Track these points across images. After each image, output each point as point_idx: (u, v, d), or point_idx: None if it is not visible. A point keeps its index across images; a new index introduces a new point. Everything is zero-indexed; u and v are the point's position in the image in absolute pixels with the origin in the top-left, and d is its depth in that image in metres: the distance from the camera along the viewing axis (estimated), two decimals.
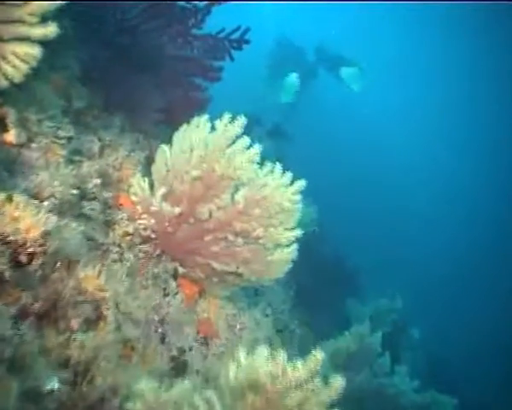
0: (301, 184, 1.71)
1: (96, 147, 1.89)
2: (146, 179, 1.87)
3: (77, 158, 1.69)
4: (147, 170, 2.02)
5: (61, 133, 1.59)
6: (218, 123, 1.66)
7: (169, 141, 2.02)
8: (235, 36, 2.11)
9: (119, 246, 1.66)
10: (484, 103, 14.28)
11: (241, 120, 1.62)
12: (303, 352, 1.19)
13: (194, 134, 1.73)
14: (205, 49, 2.11)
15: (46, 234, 1.08)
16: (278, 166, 1.70)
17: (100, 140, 1.93)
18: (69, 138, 1.65)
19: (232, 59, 2.13)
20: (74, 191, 1.49)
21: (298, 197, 1.73)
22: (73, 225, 1.38)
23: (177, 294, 1.96)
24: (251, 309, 2.51)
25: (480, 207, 14.29)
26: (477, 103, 14.48)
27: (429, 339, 4.31)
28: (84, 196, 1.61)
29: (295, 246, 1.87)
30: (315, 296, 3.85)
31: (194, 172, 1.68)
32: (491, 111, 14.26)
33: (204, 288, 2.04)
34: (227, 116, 1.64)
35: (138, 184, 1.88)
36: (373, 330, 3.92)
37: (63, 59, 1.95)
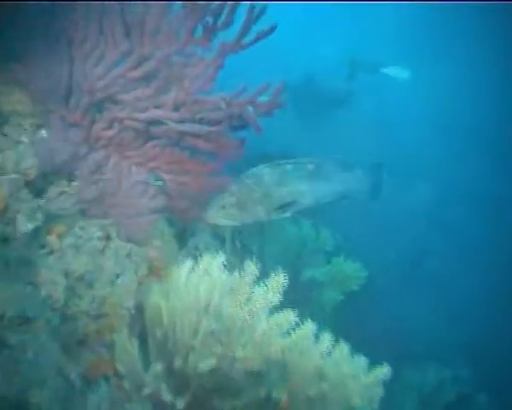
0: (384, 371, 1.04)
1: (59, 290, 1.25)
2: (135, 341, 1.24)
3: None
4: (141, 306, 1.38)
5: None
6: (236, 278, 0.99)
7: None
8: (263, 98, 1.42)
9: None
10: None
11: (280, 279, 0.95)
12: None
13: (203, 285, 1.07)
14: (218, 116, 1.44)
15: None
16: (345, 346, 1.03)
17: (66, 276, 1.29)
18: None
19: (260, 131, 1.44)
20: None
21: (379, 393, 1.06)
22: None
23: None
24: None
25: None
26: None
27: (499, 404, 3.59)
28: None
29: None
30: None
31: (204, 365, 1.02)
32: None
33: None
34: (252, 267, 0.97)
35: (124, 346, 1.25)
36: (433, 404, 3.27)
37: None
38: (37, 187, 1.35)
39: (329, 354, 1.03)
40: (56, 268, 1.30)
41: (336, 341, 1.04)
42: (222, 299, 1.02)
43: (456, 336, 3.66)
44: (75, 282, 1.32)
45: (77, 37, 1.35)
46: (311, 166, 1.51)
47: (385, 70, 6.68)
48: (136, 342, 1.23)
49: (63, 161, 1.41)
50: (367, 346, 3.18)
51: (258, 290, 0.96)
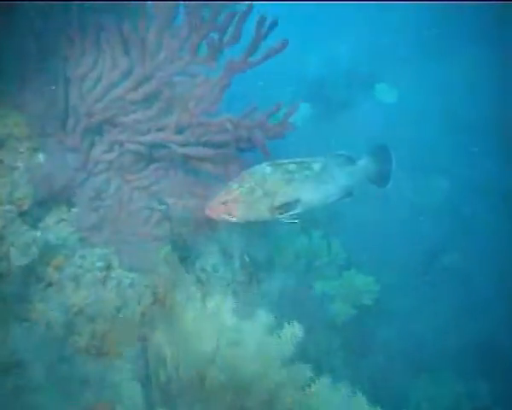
0: None
1: (57, 327, 1.18)
2: (137, 384, 1.16)
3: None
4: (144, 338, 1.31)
5: None
6: (247, 326, 0.91)
7: None
8: (271, 121, 1.33)
9: None
10: None
11: (295, 331, 0.87)
12: None
13: (210, 331, 0.99)
14: (225, 139, 1.35)
15: None
16: (362, 398, 0.94)
17: (65, 311, 1.22)
18: None
19: (268, 155, 1.35)
20: None
21: None
22: None
23: None
24: None
25: None
26: None
27: None
28: None
29: None
30: (375, 379, 3.04)
31: None
32: None
33: None
34: (263, 316, 0.89)
35: (126, 387, 1.17)
36: None
37: None
38: (33, 216, 1.28)
39: (347, 406, 0.94)
40: (54, 303, 1.22)
41: (353, 391, 0.95)
42: (230, 347, 0.94)
43: (471, 345, 3.54)
44: (74, 317, 1.25)
45: (73, 56, 1.28)
46: (314, 166, 1.43)
47: (376, 86, 6.43)
48: (138, 385, 1.15)
49: (61, 188, 1.33)
50: (381, 358, 3.05)
51: (271, 341, 0.88)
